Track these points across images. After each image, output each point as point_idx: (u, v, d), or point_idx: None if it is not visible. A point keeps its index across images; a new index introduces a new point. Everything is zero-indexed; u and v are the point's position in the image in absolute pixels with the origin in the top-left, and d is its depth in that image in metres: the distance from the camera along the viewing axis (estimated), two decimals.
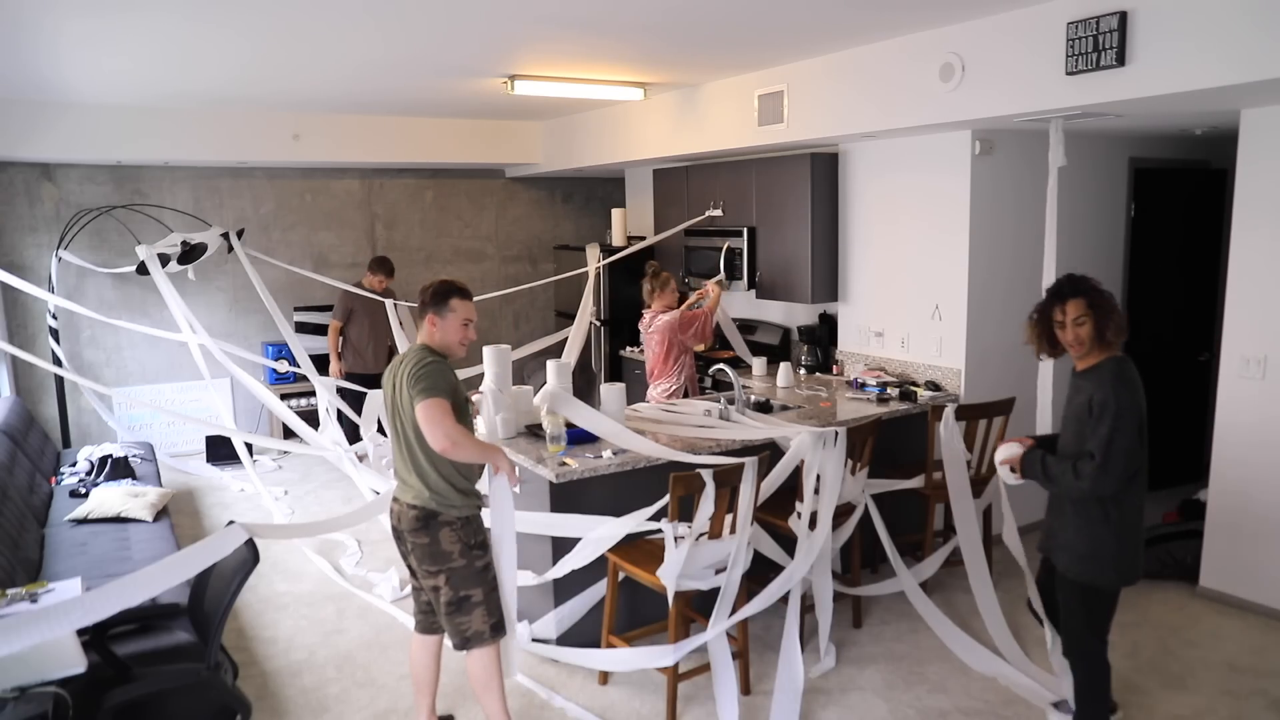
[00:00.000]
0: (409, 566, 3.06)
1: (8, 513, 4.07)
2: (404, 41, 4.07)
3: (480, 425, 4.00)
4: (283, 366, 6.51)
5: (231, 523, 3.05)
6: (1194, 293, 5.63)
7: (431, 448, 2.77)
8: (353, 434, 5.62)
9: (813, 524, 3.51)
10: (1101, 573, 2.87)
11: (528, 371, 7.00)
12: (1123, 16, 3.23)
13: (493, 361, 4.01)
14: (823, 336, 5.55)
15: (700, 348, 5.33)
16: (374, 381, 5.28)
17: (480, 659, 2.98)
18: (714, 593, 3.29)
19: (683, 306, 5.17)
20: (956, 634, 3.77)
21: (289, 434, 6.31)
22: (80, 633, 2.61)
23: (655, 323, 5.06)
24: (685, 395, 5.04)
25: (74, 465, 5.25)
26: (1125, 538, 2.84)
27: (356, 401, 5.52)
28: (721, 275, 5.65)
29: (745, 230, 5.69)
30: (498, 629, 2.98)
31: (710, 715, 3.34)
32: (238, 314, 7.14)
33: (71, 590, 3.02)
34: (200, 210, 6.85)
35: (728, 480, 3.17)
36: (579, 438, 3.79)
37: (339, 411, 5.62)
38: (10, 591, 3.03)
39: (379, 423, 5.56)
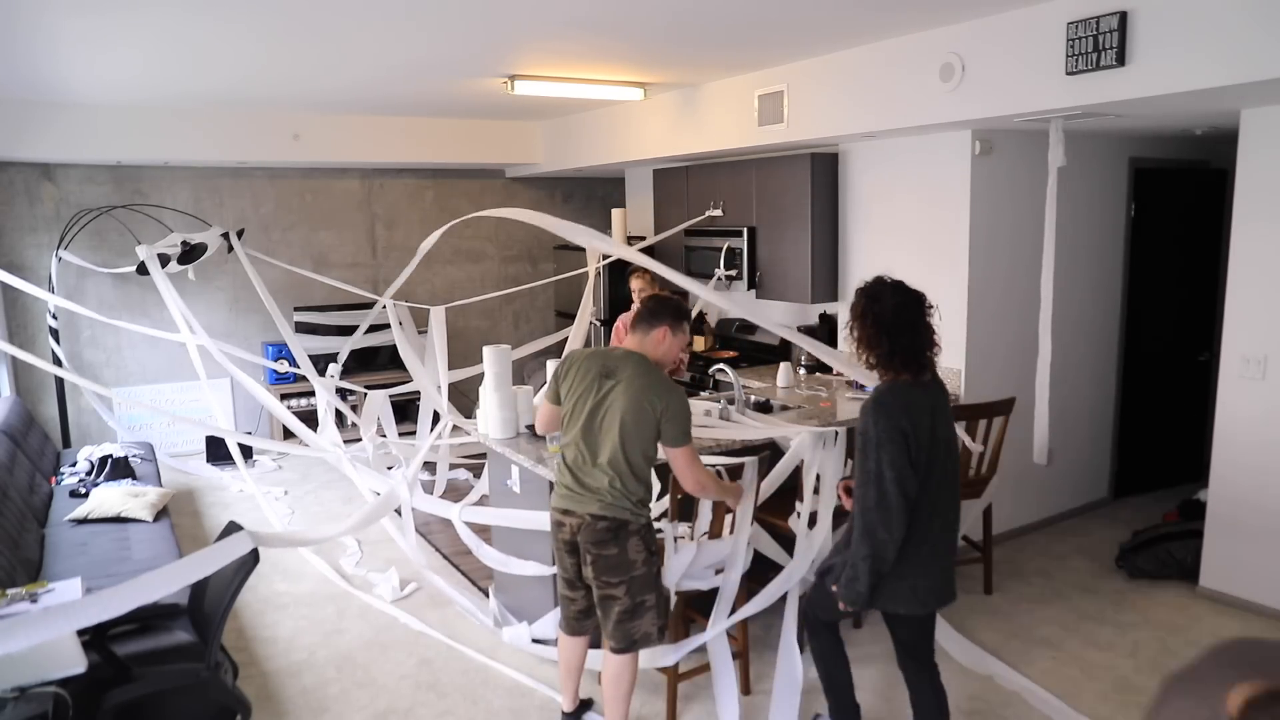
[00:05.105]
0: (566, 578, 3.02)
1: (8, 513, 4.07)
2: (405, 42, 4.07)
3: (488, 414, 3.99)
4: (283, 367, 6.51)
5: (232, 523, 3.06)
6: (1194, 293, 5.63)
7: (682, 479, 2.89)
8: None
9: (812, 523, 3.51)
10: None
11: (528, 371, 7.00)
12: (1123, 16, 3.23)
13: (493, 361, 4.01)
14: (823, 336, 5.54)
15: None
16: None
17: (629, 664, 2.97)
18: (714, 593, 3.29)
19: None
20: (953, 634, 3.77)
21: (289, 434, 6.31)
22: (80, 633, 2.61)
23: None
24: None
25: (74, 465, 5.25)
26: None
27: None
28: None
29: (745, 230, 5.69)
30: (663, 631, 2.99)
31: (710, 715, 3.34)
32: (238, 314, 7.14)
33: (71, 590, 3.02)
34: (200, 210, 6.85)
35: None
36: None
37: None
38: (10, 591, 3.03)
39: (378, 424, 5.58)
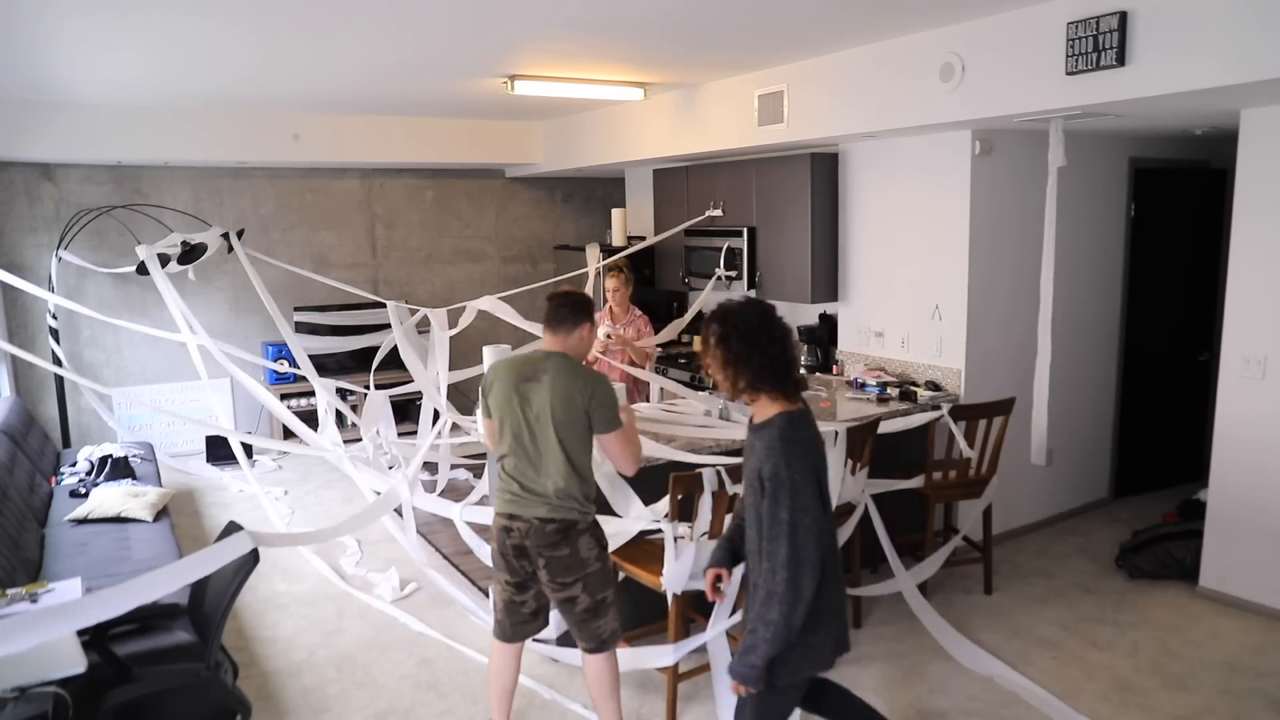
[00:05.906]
0: (515, 581, 2.98)
1: (8, 513, 4.07)
2: (405, 42, 4.07)
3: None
4: (282, 367, 6.51)
5: (232, 523, 3.06)
6: (1194, 293, 5.63)
7: (619, 464, 2.94)
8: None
9: None
10: None
11: None
12: (1123, 16, 3.23)
13: (493, 361, 4.01)
14: (823, 336, 5.55)
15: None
16: None
17: (609, 661, 2.99)
18: None
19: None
20: (953, 635, 3.77)
21: (289, 434, 6.31)
22: (80, 633, 2.61)
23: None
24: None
25: (74, 465, 5.25)
26: None
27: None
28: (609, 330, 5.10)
29: (745, 230, 5.69)
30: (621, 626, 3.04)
31: (710, 715, 3.34)
32: (238, 314, 7.14)
33: (71, 590, 3.02)
34: (200, 210, 6.85)
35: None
36: None
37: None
38: (10, 591, 3.03)
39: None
